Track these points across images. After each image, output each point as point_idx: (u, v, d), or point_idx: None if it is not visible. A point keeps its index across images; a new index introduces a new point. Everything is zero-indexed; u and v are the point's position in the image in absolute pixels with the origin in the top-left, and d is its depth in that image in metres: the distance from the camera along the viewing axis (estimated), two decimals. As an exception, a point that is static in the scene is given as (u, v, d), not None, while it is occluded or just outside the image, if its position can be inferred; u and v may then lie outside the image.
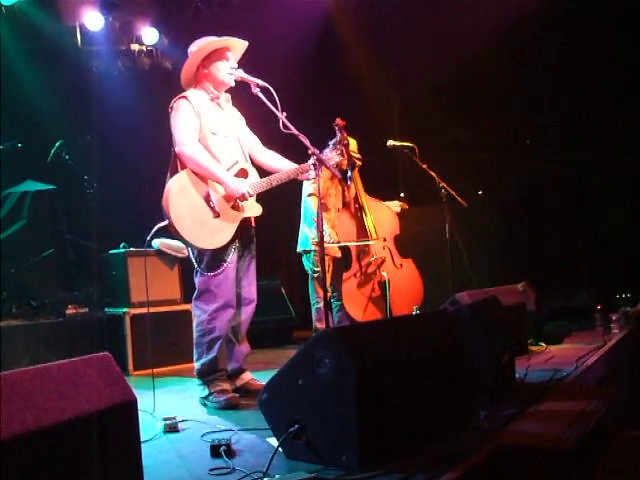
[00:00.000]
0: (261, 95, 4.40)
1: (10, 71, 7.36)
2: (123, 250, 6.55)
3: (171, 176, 4.39)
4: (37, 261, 6.64)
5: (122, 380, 2.22)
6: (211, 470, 2.94)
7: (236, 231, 4.44)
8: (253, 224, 4.69)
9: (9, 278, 6.32)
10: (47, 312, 6.28)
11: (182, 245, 5.98)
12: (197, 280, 4.51)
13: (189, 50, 4.65)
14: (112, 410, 2.14)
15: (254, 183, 4.52)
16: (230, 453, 3.15)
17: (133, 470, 2.24)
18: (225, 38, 4.59)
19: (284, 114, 4.34)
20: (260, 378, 4.56)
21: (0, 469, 1.79)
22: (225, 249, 4.40)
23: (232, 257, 4.45)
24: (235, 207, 4.44)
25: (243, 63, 4.60)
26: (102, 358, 2.22)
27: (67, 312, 6.30)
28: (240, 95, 4.76)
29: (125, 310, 6.29)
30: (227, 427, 3.75)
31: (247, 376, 4.71)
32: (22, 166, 7.23)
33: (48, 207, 7.02)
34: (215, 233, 4.33)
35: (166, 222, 4.24)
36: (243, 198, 4.40)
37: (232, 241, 4.43)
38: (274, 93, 4.35)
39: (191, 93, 4.53)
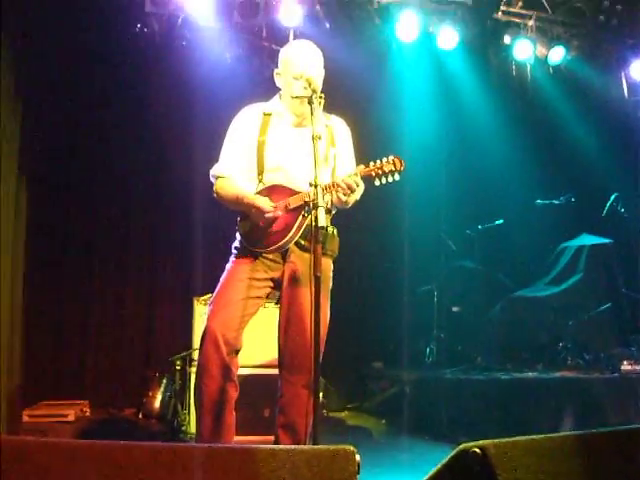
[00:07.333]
0: None
1: (562, 129, 7.62)
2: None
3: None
4: (593, 315, 6.70)
5: None
6: None
7: None
8: None
9: (566, 330, 6.51)
10: (601, 366, 6.27)
11: None
12: None
13: None
14: None
15: None
16: None
17: None
18: None
19: None
20: None
21: None
22: None
23: None
24: None
25: None
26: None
27: (622, 367, 6.20)
28: None
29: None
30: None
31: None
32: (577, 220, 7.43)
33: (604, 261, 7.06)
34: None
35: None
36: None
37: None
38: None
39: None
